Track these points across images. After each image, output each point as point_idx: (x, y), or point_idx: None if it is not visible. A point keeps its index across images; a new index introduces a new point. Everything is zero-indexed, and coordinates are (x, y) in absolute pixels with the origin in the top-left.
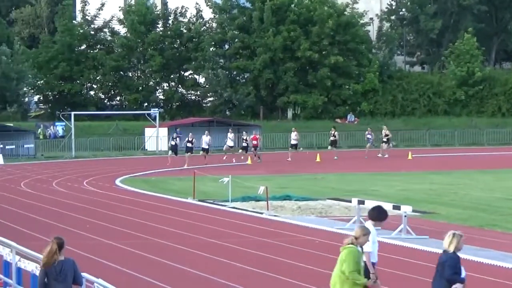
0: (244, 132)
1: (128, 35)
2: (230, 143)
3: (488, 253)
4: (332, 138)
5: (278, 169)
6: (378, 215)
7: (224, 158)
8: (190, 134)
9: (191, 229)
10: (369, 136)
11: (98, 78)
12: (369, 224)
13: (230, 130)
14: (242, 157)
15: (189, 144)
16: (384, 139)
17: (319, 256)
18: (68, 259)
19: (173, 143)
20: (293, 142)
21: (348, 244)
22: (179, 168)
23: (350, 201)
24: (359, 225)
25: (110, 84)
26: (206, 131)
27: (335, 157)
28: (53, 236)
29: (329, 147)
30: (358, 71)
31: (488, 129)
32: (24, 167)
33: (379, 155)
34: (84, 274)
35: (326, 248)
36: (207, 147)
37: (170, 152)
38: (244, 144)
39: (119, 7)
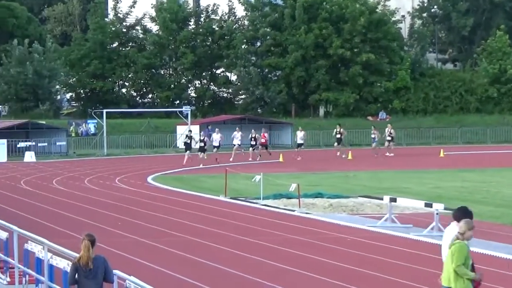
0: (252, 130)
1: (160, 32)
2: (237, 141)
3: None
4: (337, 136)
5: (310, 167)
6: (463, 215)
7: (231, 159)
8: (202, 133)
9: (223, 226)
10: (373, 135)
11: (130, 75)
12: (453, 225)
13: (237, 128)
14: (251, 158)
15: (201, 144)
16: (388, 138)
17: (351, 254)
18: (99, 256)
19: (187, 141)
20: (299, 141)
21: (455, 240)
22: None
23: (382, 199)
24: (464, 220)
25: (142, 81)
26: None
27: (343, 156)
28: (84, 234)
29: (335, 145)
30: (390, 69)
31: None
32: (56, 164)
33: (387, 154)
34: (116, 272)
35: (358, 245)
36: (301, 142)
37: (187, 151)
38: (253, 142)
39: (151, 4)
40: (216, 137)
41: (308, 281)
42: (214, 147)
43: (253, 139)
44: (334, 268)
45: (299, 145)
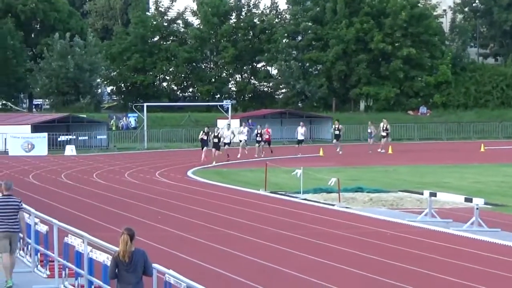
0: (258, 126)
1: (201, 26)
2: (242, 137)
3: None
4: (336, 132)
5: (350, 161)
6: None
7: (239, 156)
8: (216, 128)
9: (263, 220)
10: (369, 130)
11: (170, 69)
12: None
13: (244, 124)
14: (256, 154)
15: (215, 140)
16: (383, 133)
17: (390, 248)
18: (139, 250)
19: (204, 137)
20: (300, 137)
21: None
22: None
23: (422, 193)
24: None
25: (182, 75)
26: (301, 123)
27: (340, 152)
28: (123, 228)
29: (334, 141)
30: (430, 63)
31: None
32: (97, 158)
33: (379, 150)
34: (155, 265)
35: (398, 240)
36: (302, 138)
37: (204, 147)
38: (258, 139)
39: None
40: (301, 131)
41: (346, 275)
42: (225, 144)
43: (258, 134)
44: (373, 262)
45: (300, 141)
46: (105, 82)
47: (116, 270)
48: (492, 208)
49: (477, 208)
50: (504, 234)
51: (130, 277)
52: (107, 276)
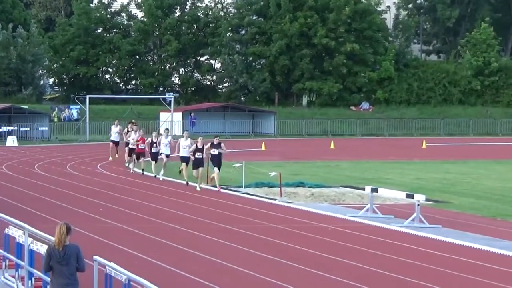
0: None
1: (145, 19)
2: (115, 137)
3: (501, 243)
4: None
5: (292, 156)
6: None
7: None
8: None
9: (204, 214)
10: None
11: (114, 62)
12: None
13: (116, 122)
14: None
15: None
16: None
17: (331, 243)
18: (73, 244)
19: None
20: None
21: None
22: None
23: (364, 189)
24: None
25: (125, 68)
26: (116, 121)
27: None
28: (61, 222)
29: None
30: (374, 59)
31: (503, 119)
32: (38, 149)
33: None
34: (96, 257)
35: (338, 235)
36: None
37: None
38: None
39: None
40: (165, 142)
41: (286, 270)
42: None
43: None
44: (314, 257)
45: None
46: (48, 74)
47: (50, 262)
48: (433, 205)
49: (418, 205)
50: (444, 231)
51: (63, 270)
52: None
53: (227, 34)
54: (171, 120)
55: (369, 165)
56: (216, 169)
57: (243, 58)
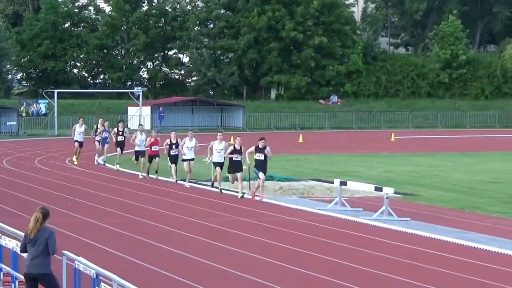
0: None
1: (113, 13)
2: (78, 137)
3: (469, 235)
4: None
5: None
6: None
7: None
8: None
9: (173, 208)
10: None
11: (81, 56)
12: None
13: (80, 121)
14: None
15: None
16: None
17: (300, 237)
18: (46, 228)
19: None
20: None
21: None
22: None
23: (332, 182)
24: None
25: (93, 62)
26: (81, 119)
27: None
28: (39, 207)
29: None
30: (342, 52)
31: (471, 111)
32: (6, 144)
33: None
34: (65, 252)
35: (307, 228)
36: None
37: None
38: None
39: None
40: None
41: (255, 263)
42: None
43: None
44: (283, 250)
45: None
46: (15, 68)
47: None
48: (402, 198)
49: (387, 197)
50: (413, 223)
51: (32, 251)
52: (16, 263)
53: (195, 28)
54: (139, 114)
55: (337, 158)
56: (261, 174)
57: (211, 52)
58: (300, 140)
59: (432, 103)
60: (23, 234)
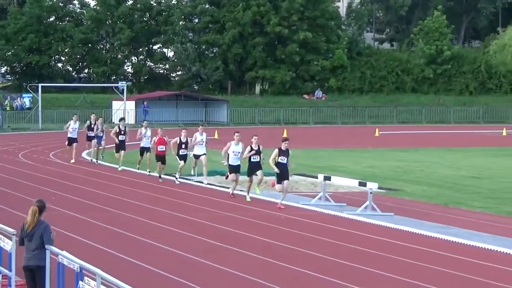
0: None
1: (98, 7)
2: (73, 134)
3: (453, 230)
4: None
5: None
6: None
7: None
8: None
9: (156, 202)
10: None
11: (66, 50)
12: None
13: (74, 117)
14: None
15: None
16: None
17: (284, 231)
18: (42, 222)
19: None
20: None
21: None
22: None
23: (316, 177)
24: None
25: (78, 56)
26: (75, 116)
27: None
28: (35, 200)
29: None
30: (327, 47)
31: (456, 107)
32: None
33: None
34: (48, 246)
35: (291, 223)
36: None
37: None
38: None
39: None
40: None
41: (239, 258)
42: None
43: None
44: (266, 245)
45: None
46: (0, 62)
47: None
48: (385, 193)
49: (371, 193)
50: (397, 218)
51: (28, 245)
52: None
53: (180, 23)
54: (123, 108)
55: (322, 153)
56: (286, 181)
57: (196, 46)
58: (284, 135)
59: (417, 99)
60: (6, 228)
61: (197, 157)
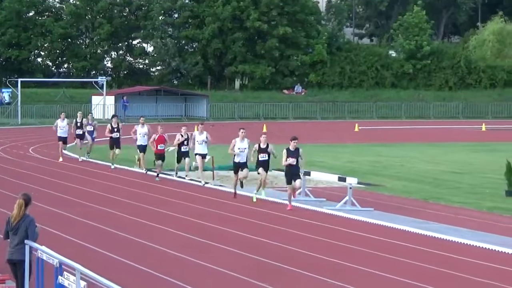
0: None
1: (77, 2)
2: (62, 133)
3: (432, 226)
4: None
5: (225, 140)
6: None
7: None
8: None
9: (137, 197)
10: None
11: (46, 45)
12: None
13: (62, 115)
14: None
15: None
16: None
17: (262, 226)
18: (27, 216)
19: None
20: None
21: None
22: None
23: None
24: None
25: (58, 51)
26: (63, 114)
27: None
28: (20, 193)
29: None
30: (306, 42)
31: (435, 102)
32: None
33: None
34: (27, 241)
35: (270, 218)
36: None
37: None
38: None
39: None
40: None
41: (218, 253)
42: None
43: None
44: (244, 240)
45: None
46: None
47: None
48: (365, 188)
49: (350, 188)
50: (376, 213)
51: (12, 239)
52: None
53: (160, 18)
54: (103, 103)
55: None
56: (298, 181)
57: (176, 41)
58: (264, 130)
59: (396, 94)
60: None
61: (203, 156)
